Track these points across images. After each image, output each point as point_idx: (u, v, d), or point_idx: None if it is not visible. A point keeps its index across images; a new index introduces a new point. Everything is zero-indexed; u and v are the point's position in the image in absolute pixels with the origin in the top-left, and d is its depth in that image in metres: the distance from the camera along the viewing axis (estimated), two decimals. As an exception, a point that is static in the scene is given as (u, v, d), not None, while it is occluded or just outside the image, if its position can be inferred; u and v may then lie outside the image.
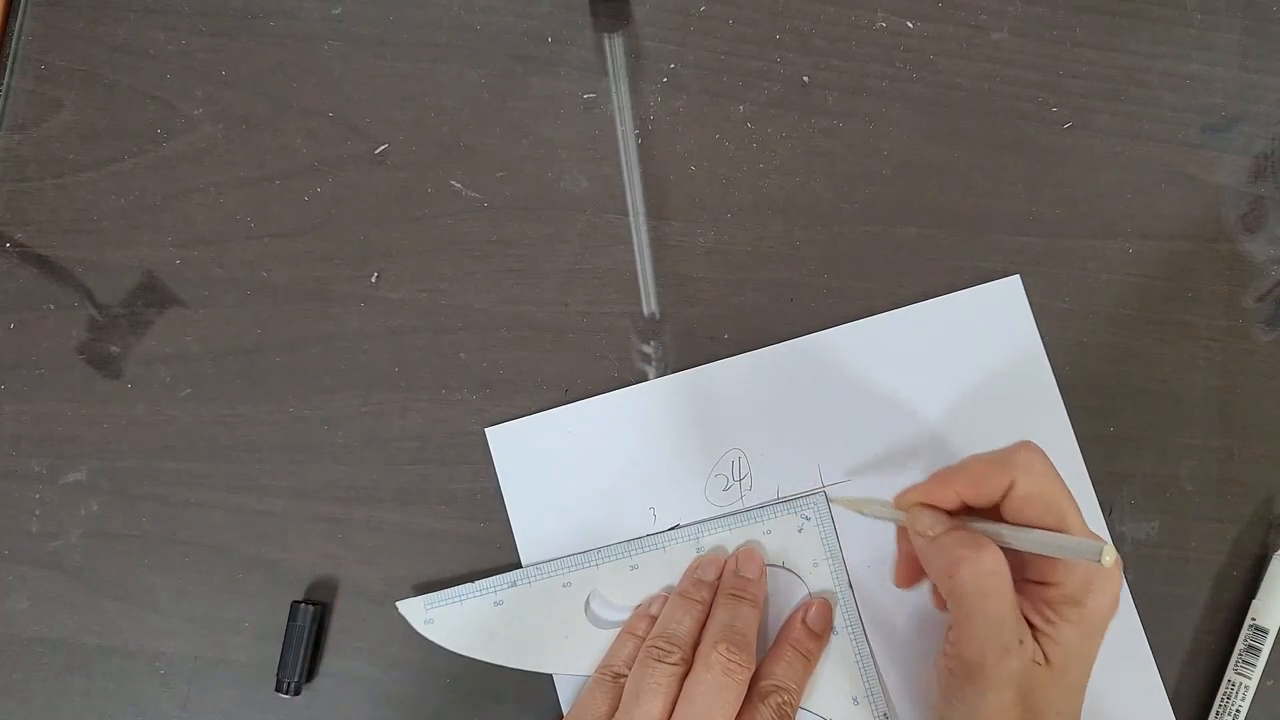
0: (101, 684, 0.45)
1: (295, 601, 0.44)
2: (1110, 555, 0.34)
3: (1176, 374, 0.46)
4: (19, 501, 0.45)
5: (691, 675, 0.40)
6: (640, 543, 0.44)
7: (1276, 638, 0.44)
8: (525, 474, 0.45)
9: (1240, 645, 0.44)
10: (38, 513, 0.45)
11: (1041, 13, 0.48)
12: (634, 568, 0.44)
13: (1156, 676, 0.44)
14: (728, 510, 0.45)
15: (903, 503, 0.41)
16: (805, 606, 0.44)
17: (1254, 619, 0.44)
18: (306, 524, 0.45)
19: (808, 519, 0.44)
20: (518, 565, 0.45)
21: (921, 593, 0.43)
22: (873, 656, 0.43)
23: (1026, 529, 0.38)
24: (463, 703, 0.44)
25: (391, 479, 0.45)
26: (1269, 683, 0.44)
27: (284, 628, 0.44)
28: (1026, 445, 0.39)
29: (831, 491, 0.45)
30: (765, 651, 0.43)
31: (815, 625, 0.43)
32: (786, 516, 0.44)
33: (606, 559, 0.44)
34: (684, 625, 0.41)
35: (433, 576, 0.45)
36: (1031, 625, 0.38)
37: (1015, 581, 0.38)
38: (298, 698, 0.44)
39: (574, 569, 0.44)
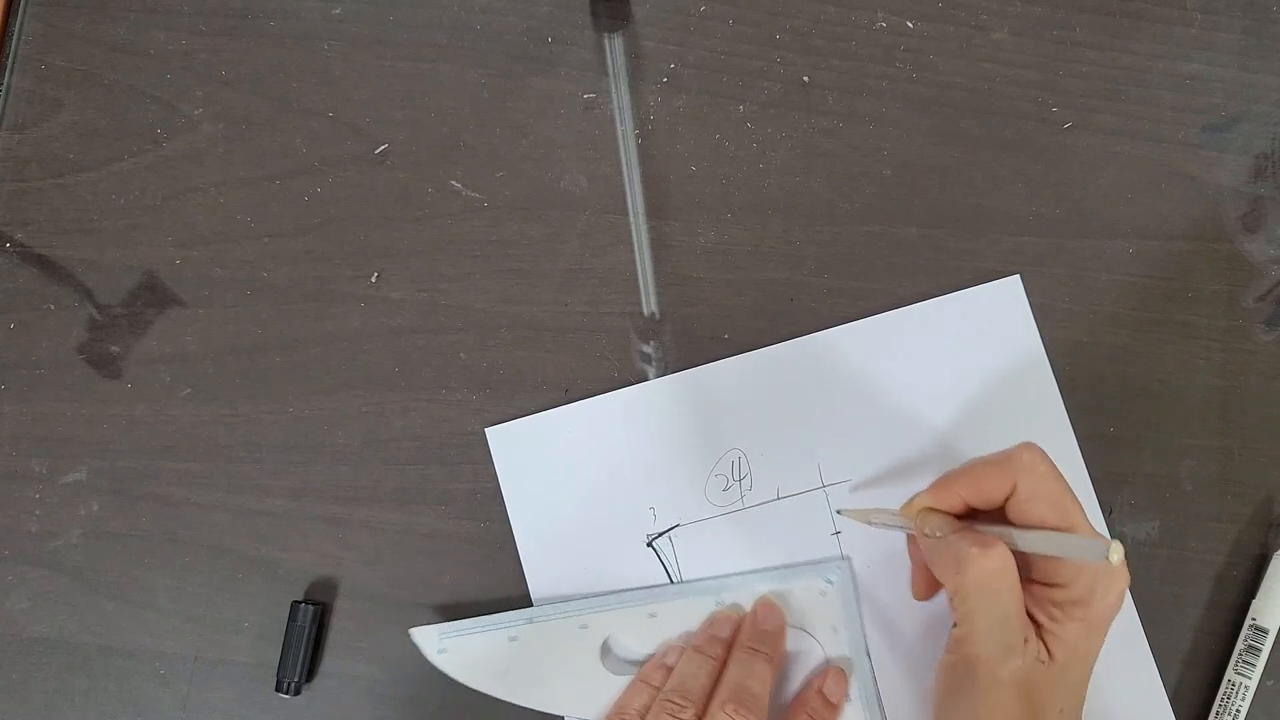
0: (101, 684, 0.45)
1: (295, 601, 0.44)
2: (1117, 554, 0.33)
3: (1176, 374, 0.46)
4: (19, 501, 0.45)
5: None
6: (659, 590, 0.44)
7: (1276, 638, 0.44)
8: (525, 474, 0.45)
9: (1240, 645, 0.44)
10: (38, 513, 0.45)
11: (1041, 13, 0.48)
12: (652, 615, 0.44)
13: (1156, 676, 0.44)
14: (728, 510, 0.45)
15: (909, 509, 0.41)
16: (823, 675, 0.43)
17: (1254, 619, 0.44)
18: (306, 524, 0.45)
19: (831, 583, 0.44)
20: (519, 567, 0.45)
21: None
22: None
23: (1032, 530, 0.38)
24: (463, 703, 0.44)
25: (391, 479, 0.45)
26: (1269, 683, 0.44)
27: (284, 628, 0.44)
28: (1028, 446, 0.39)
29: (836, 497, 0.45)
30: (777, 710, 0.43)
31: (833, 696, 0.43)
32: (809, 579, 0.44)
33: (625, 604, 0.44)
34: (699, 680, 0.41)
35: (433, 577, 0.45)
36: (1036, 623, 0.38)
37: (1021, 582, 0.38)
38: (298, 698, 0.44)
39: (591, 612, 0.43)
